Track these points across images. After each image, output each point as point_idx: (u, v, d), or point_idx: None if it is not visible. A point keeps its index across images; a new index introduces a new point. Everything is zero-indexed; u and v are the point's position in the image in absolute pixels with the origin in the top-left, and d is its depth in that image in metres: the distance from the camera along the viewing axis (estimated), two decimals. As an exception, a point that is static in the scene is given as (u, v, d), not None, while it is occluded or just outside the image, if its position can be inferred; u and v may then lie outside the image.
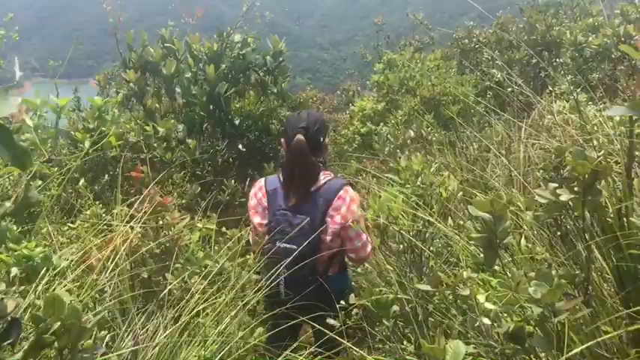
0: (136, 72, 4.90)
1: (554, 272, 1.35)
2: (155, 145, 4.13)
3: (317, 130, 2.79)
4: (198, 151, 4.62)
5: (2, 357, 1.04)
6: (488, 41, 9.16)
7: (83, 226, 2.92)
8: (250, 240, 2.98)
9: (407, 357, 2.20)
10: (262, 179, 2.97)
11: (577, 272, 1.51)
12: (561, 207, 1.53)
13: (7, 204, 0.97)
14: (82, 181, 3.30)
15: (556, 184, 1.53)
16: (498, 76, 6.50)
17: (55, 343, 1.13)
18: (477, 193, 2.68)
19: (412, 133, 4.72)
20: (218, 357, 2.17)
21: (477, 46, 9.28)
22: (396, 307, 2.33)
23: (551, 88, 6.47)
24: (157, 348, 2.05)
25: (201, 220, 3.26)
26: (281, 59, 5.21)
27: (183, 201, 3.92)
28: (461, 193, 2.56)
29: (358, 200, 2.81)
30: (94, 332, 2.06)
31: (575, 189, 1.48)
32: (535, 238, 2.08)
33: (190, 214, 3.40)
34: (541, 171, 1.79)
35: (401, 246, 2.47)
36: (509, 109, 6.02)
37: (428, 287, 1.64)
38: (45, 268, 1.93)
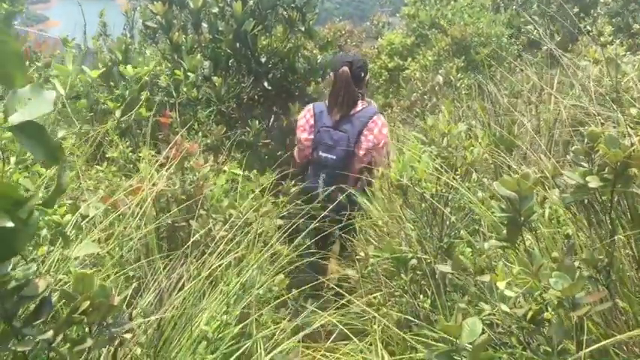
0: (163, 4, 4.79)
1: (576, 263, 1.34)
2: (185, 89, 4.12)
3: (360, 66, 3.43)
4: (223, 89, 4.58)
5: (33, 335, 1.08)
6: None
7: (110, 169, 2.95)
8: (295, 153, 3.65)
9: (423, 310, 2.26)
10: (311, 104, 3.60)
11: (600, 257, 1.50)
12: (590, 192, 1.50)
13: (40, 194, 0.99)
14: (110, 122, 3.31)
15: (585, 169, 1.50)
16: (535, 33, 6.24)
17: (85, 319, 1.17)
18: (503, 155, 2.64)
19: (440, 79, 4.62)
20: (240, 307, 2.24)
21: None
22: (414, 261, 2.37)
23: (589, 28, 6.22)
24: (181, 297, 2.11)
25: (225, 161, 3.30)
26: (310, -6, 5.04)
27: (208, 141, 3.92)
28: (486, 155, 2.53)
29: (387, 126, 3.44)
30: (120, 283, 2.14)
31: (605, 176, 1.45)
32: (559, 206, 2.06)
33: (215, 154, 3.43)
34: (570, 146, 1.75)
35: (423, 204, 2.48)
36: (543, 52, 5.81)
37: (449, 269, 1.65)
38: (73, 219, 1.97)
